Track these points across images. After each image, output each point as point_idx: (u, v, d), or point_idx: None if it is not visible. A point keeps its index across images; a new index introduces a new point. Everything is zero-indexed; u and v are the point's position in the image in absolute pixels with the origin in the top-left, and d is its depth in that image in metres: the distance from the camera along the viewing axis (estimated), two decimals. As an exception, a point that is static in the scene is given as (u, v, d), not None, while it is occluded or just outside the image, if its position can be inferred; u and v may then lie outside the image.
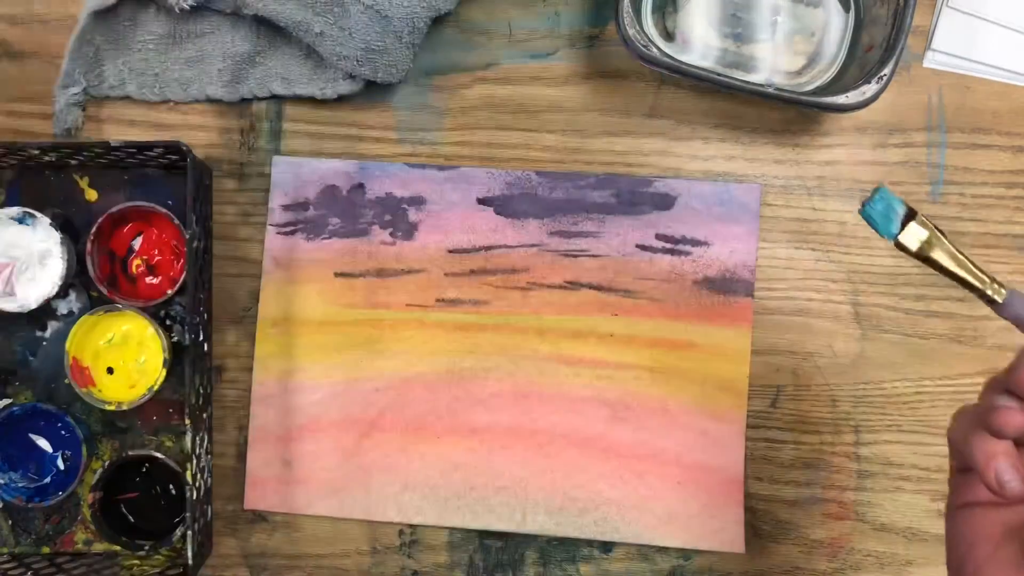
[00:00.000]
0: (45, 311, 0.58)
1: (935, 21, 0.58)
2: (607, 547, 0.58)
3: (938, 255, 0.34)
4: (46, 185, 0.59)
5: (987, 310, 0.58)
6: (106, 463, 0.57)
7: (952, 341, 0.58)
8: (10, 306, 0.56)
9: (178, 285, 0.56)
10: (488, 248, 0.58)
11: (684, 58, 0.55)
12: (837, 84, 0.54)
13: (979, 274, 0.34)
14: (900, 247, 0.34)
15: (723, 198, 0.58)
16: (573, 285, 0.58)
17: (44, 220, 0.56)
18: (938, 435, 0.58)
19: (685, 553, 0.57)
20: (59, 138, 0.59)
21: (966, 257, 0.34)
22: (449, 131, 0.59)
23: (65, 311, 0.59)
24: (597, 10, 0.59)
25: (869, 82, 0.51)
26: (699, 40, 0.55)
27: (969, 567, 0.35)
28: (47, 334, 0.59)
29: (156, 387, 0.56)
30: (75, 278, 0.58)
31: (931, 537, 0.57)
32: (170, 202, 0.59)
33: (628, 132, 0.59)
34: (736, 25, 0.55)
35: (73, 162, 0.58)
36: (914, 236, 0.33)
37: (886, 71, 0.51)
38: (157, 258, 0.59)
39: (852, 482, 0.58)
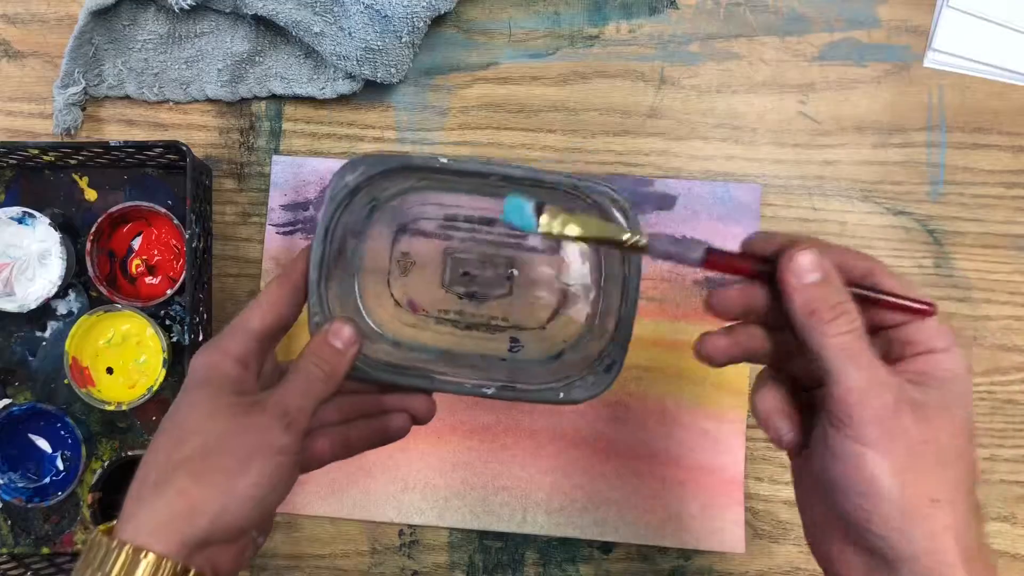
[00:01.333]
0: (45, 311, 0.58)
1: (935, 21, 0.58)
2: (607, 547, 0.58)
3: (574, 228, 0.36)
4: (46, 185, 0.59)
5: (987, 310, 0.58)
6: (106, 463, 0.56)
7: (952, 341, 0.58)
8: (10, 306, 0.56)
9: (178, 285, 0.56)
10: (487, 249, 0.58)
11: (414, 331, 0.48)
12: (583, 346, 0.47)
13: (617, 231, 0.37)
14: (545, 235, 0.37)
15: (723, 198, 0.58)
16: (573, 285, 0.58)
17: (44, 220, 0.56)
18: (938, 435, 0.58)
19: (685, 553, 0.57)
20: (59, 138, 0.59)
21: (599, 221, 0.38)
22: (449, 131, 0.59)
23: (65, 311, 0.59)
24: (597, 10, 0.59)
25: (596, 372, 0.45)
26: (432, 306, 0.48)
27: (805, 529, 0.38)
28: (47, 334, 0.59)
29: (156, 387, 0.56)
30: (75, 278, 0.58)
31: (931, 537, 0.57)
32: (170, 202, 0.59)
33: (628, 132, 0.59)
34: (472, 284, 0.48)
35: (73, 162, 0.58)
36: (548, 221, 0.36)
37: (610, 361, 0.45)
38: (156, 258, 0.59)
39: (852, 482, 0.57)
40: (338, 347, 0.41)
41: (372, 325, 0.47)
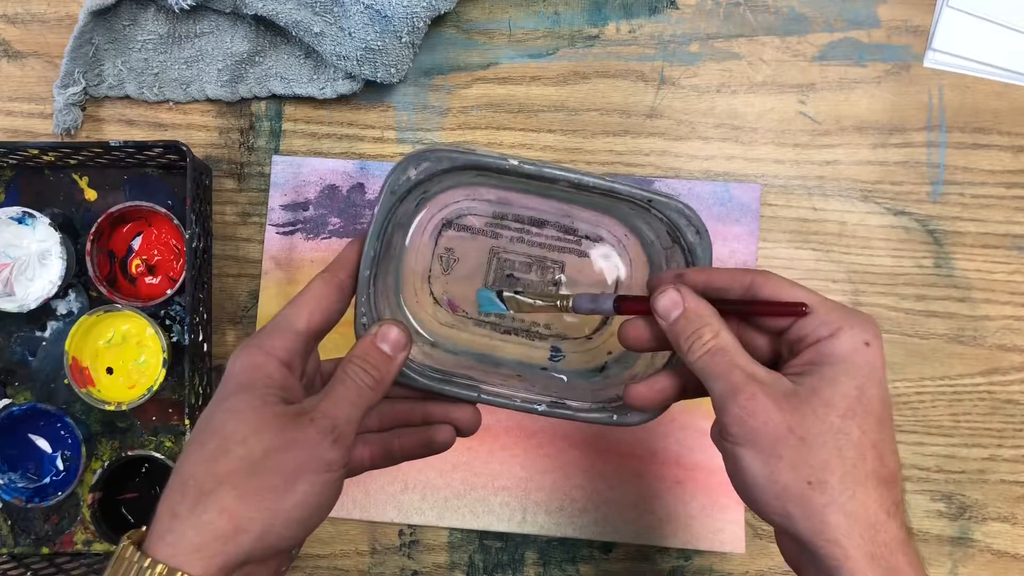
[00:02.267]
0: (44, 311, 0.58)
1: (935, 21, 0.58)
2: (607, 547, 0.58)
3: (525, 305, 0.44)
4: (46, 185, 0.59)
5: (987, 310, 0.58)
6: (106, 463, 0.56)
7: (952, 341, 0.58)
8: (9, 306, 0.56)
9: (178, 285, 0.56)
10: (487, 248, 0.58)
11: (452, 332, 0.47)
12: (628, 362, 0.46)
13: (549, 300, 0.43)
14: (517, 312, 0.44)
15: (723, 198, 0.58)
16: (573, 285, 0.58)
17: (44, 220, 0.56)
18: (938, 435, 0.58)
19: (685, 553, 0.57)
20: (59, 138, 0.59)
21: (536, 297, 0.44)
22: (449, 131, 0.59)
23: (64, 311, 0.59)
24: (597, 10, 0.59)
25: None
26: (472, 307, 0.47)
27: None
28: (46, 334, 0.59)
29: (156, 387, 0.56)
30: (75, 278, 0.58)
31: (931, 537, 0.57)
32: (170, 202, 0.59)
33: (628, 132, 0.59)
34: (515, 285, 0.47)
35: (73, 162, 0.58)
36: (509, 302, 0.44)
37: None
38: (156, 258, 0.59)
39: (852, 482, 0.57)
40: (386, 351, 0.39)
41: (411, 323, 0.46)
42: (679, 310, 0.38)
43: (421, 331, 0.46)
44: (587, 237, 0.47)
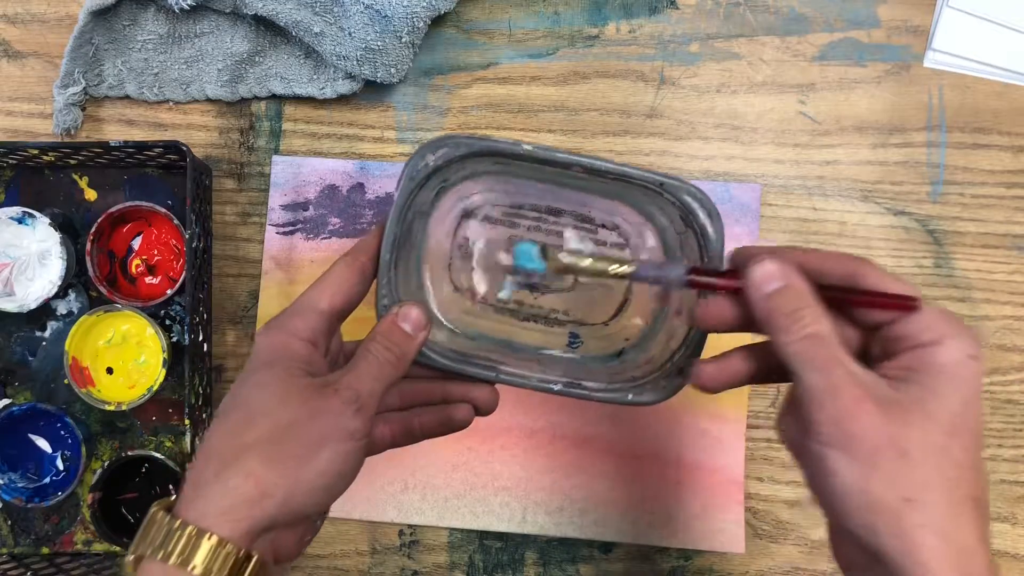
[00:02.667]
0: (44, 311, 0.58)
1: (935, 21, 0.58)
2: (607, 547, 0.58)
3: (570, 264, 0.41)
4: (46, 185, 0.59)
5: (987, 310, 0.58)
6: (106, 463, 0.56)
7: (952, 341, 0.58)
8: (9, 306, 0.56)
9: (178, 285, 0.56)
10: (488, 248, 0.58)
11: (472, 319, 0.47)
12: (646, 346, 0.46)
13: (608, 262, 0.41)
14: (555, 272, 0.42)
15: (723, 198, 0.58)
16: (573, 285, 0.58)
17: (44, 220, 0.56)
18: (938, 435, 0.58)
19: (685, 553, 0.57)
20: (59, 138, 0.59)
21: (593, 256, 0.41)
22: (449, 131, 0.59)
23: (64, 311, 0.59)
24: (597, 10, 0.59)
25: (670, 376, 0.44)
26: (491, 294, 0.47)
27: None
28: (46, 334, 0.59)
29: (156, 387, 0.56)
30: (75, 278, 0.58)
31: (931, 537, 0.57)
32: (169, 202, 0.59)
33: (628, 132, 0.59)
34: (532, 275, 0.46)
35: (73, 162, 0.58)
36: (552, 260, 0.42)
37: (681, 382, 0.43)
38: (156, 258, 0.59)
39: (852, 482, 0.57)
40: (407, 331, 0.40)
41: (432, 310, 0.46)
42: (778, 284, 0.34)
43: (441, 317, 0.47)
44: (603, 225, 0.47)
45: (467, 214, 0.47)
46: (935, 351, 0.33)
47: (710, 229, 0.42)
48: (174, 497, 0.36)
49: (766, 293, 0.34)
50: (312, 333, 0.39)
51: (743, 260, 0.37)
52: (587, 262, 0.41)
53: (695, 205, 0.42)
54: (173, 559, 0.33)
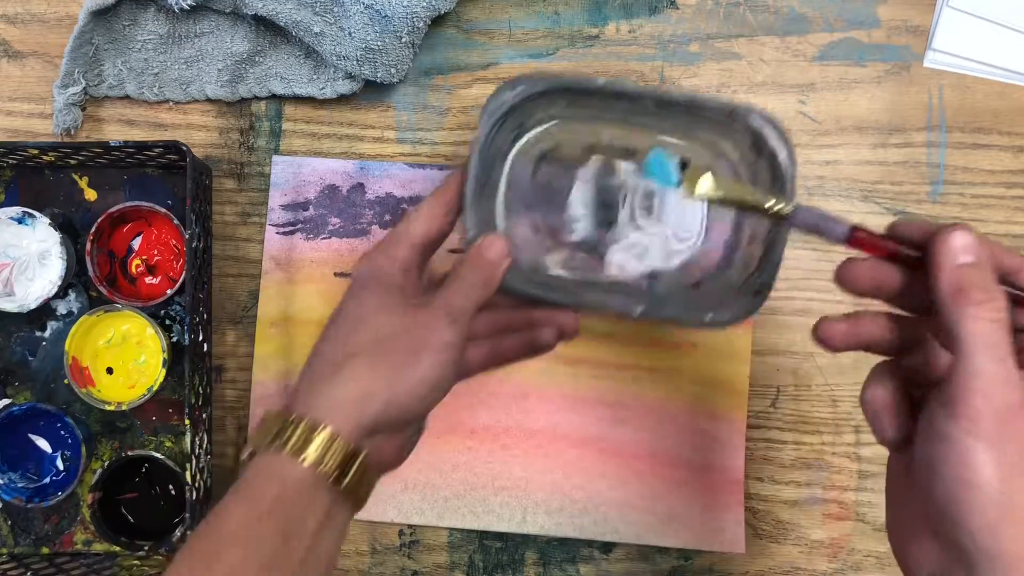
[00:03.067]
0: (44, 311, 0.58)
1: (935, 21, 0.58)
2: (607, 547, 0.58)
3: (717, 191, 0.38)
4: (46, 185, 0.59)
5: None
6: (106, 463, 0.56)
7: (952, 341, 0.58)
8: (9, 306, 0.56)
9: (178, 285, 0.56)
10: (488, 248, 0.58)
11: (553, 257, 0.48)
12: (723, 275, 0.47)
13: (761, 197, 0.38)
14: (689, 194, 0.39)
15: (723, 198, 0.58)
16: (573, 285, 0.58)
17: (44, 220, 0.56)
18: (938, 435, 0.58)
19: (685, 553, 0.57)
20: (59, 138, 0.59)
21: (743, 186, 0.40)
22: (449, 131, 0.59)
23: (64, 311, 0.59)
24: (597, 10, 0.59)
25: (746, 296, 0.44)
26: (569, 234, 0.49)
27: (887, 515, 0.38)
28: (46, 334, 0.59)
29: (156, 387, 0.56)
30: (75, 278, 0.58)
31: (931, 537, 0.57)
32: (170, 202, 0.59)
33: (628, 132, 0.59)
34: (609, 213, 0.48)
35: (73, 162, 0.58)
36: (692, 179, 0.39)
37: (759, 301, 0.44)
38: (156, 258, 0.59)
39: (853, 482, 0.58)
40: (492, 258, 0.43)
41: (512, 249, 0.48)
42: (973, 258, 0.32)
43: (521, 258, 0.48)
44: None
45: (543, 156, 0.48)
46: None
47: (782, 153, 0.42)
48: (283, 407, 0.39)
49: (959, 263, 0.33)
50: (406, 261, 0.43)
51: (909, 230, 0.36)
52: (736, 190, 0.39)
53: (766, 129, 0.43)
54: (287, 449, 0.36)
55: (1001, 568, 0.31)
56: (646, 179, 0.42)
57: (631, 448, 0.57)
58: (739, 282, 0.45)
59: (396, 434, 0.41)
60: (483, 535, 0.58)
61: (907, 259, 0.35)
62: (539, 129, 0.47)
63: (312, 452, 0.36)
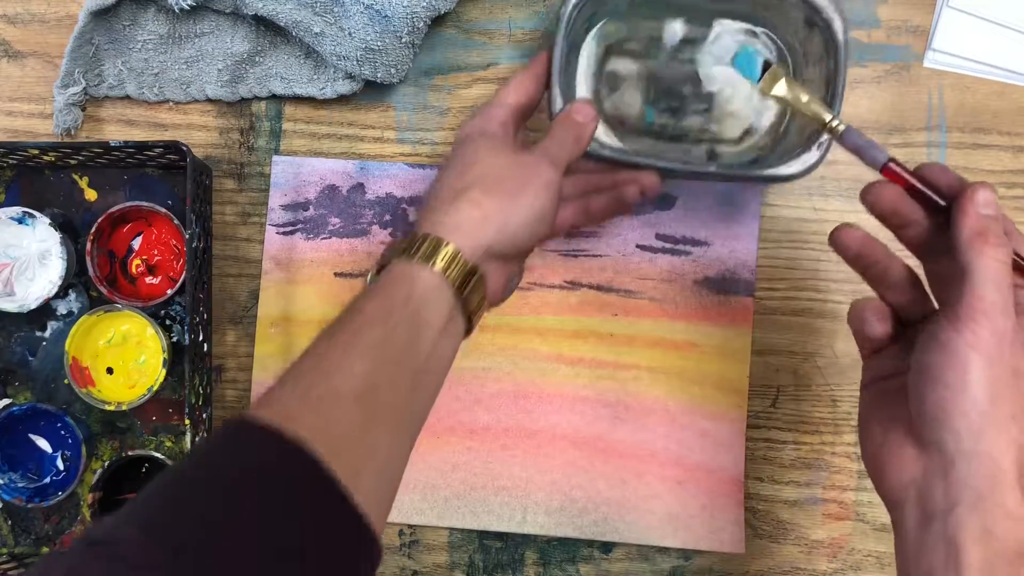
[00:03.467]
0: (45, 311, 0.58)
1: (935, 21, 0.58)
2: (607, 547, 0.58)
3: (788, 94, 0.44)
4: (46, 185, 0.59)
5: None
6: (106, 463, 0.56)
7: (952, 341, 0.58)
8: (10, 306, 0.56)
9: (178, 285, 0.56)
10: (488, 248, 0.58)
11: (623, 140, 0.54)
12: (780, 146, 0.52)
13: (823, 111, 0.44)
14: (765, 92, 0.45)
15: (723, 198, 0.58)
16: (573, 285, 0.58)
17: (44, 220, 0.56)
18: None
19: (685, 553, 0.57)
20: (59, 138, 0.59)
21: (812, 97, 0.44)
22: (449, 131, 0.59)
23: (65, 311, 0.59)
24: (597, 10, 0.59)
25: (809, 149, 0.48)
26: (636, 120, 0.54)
27: (861, 436, 0.42)
28: (47, 334, 0.59)
29: (156, 387, 0.56)
30: (75, 278, 0.58)
31: (931, 537, 0.57)
32: (170, 202, 0.59)
33: (628, 132, 0.59)
34: (672, 99, 0.54)
35: (73, 162, 0.58)
36: (771, 79, 0.44)
37: (824, 138, 0.48)
38: (157, 258, 0.59)
39: (853, 482, 0.58)
40: (580, 120, 0.48)
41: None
42: (994, 211, 0.38)
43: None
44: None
45: (610, 49, 0.54)
46: None
47: (838, 21, 0.48)
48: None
49: (983, 213, 0.38)
50: (505, 119, 0.49)
51: (940, 177, 0.40)
52: (804, 98, 0.44)
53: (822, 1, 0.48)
54: (418, 257, 0.41)
55: (977, 467, 0.35)
56: (735, 66, 0.47)
57: (631, 448, 0.57)
58: (797, 147, 0.49)
59: (504, 265, 0.45)
60: (483, 535, 0.58)
61: (926, 199, 0.40)
62: (606, 23, 0.53)
63: (439, 261, 0.41)
